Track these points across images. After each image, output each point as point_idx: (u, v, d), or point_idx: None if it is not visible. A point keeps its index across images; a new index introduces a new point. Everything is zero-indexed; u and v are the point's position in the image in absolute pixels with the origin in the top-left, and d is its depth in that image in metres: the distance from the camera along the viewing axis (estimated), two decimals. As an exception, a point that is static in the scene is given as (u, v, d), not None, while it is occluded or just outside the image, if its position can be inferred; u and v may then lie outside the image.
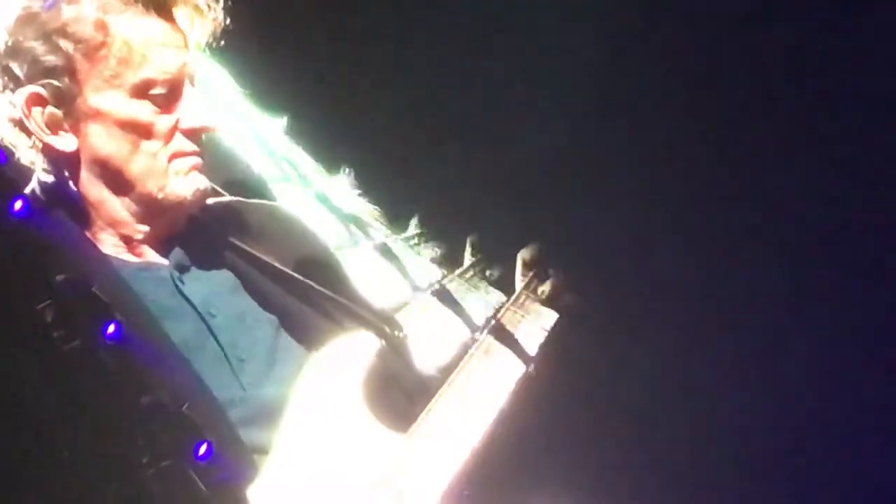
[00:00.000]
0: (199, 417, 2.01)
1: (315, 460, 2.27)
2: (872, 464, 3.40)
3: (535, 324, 2.59)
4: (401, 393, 2.44)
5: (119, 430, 1.90)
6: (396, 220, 2.82)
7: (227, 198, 2.69)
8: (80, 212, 2.48)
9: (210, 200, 2.61)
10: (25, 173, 2.36)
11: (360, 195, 2.80)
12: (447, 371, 2.44)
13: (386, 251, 2.77)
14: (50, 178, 2.43)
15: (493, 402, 2.40)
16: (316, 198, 2.82)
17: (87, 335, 1.91)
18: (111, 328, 1.94)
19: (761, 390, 3.21)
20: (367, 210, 2.82)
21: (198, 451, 1.92)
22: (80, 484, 1.86)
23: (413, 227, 2.79)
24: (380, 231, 2.78)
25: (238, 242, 2.58)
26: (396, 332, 2.48)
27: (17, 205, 1.95)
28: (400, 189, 2.92)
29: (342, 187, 2.82)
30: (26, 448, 1.85)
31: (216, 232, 2.60)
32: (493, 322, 2.53)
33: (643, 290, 2.99)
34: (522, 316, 2.58)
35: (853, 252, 3.27)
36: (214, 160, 2.62)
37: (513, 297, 2.60)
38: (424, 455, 2.29)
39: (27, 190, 2.39)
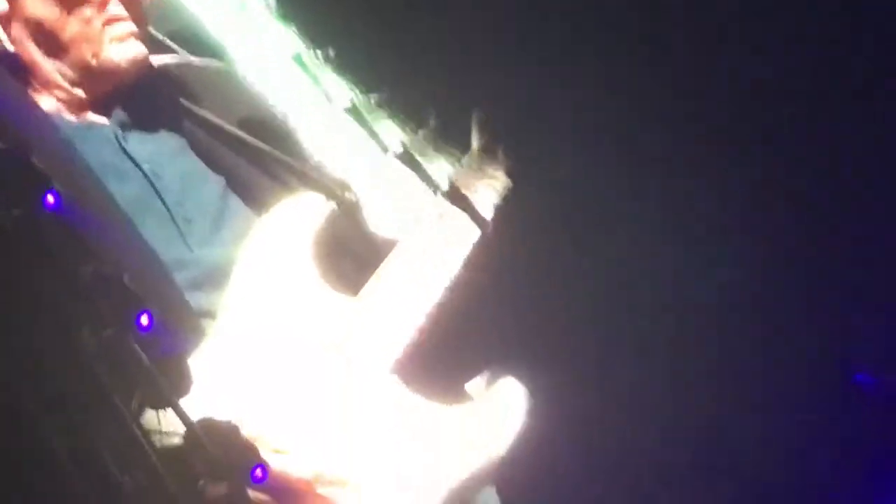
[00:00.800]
0: (141, 287, 1.99)
1: (262, 324, 2.26)
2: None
3: (492, 188, 2.56)
4: (351, 257, 2.43)
5: (59, 301, 1.88)
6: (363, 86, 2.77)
7: (174, 56, 2.65)
8: (15, 70, 2.45)
9: (156, 59, 2.57)
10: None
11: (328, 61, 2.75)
12: (400, 235, 2.42)
13: (353, 114, 2.72)
14: None
15: (447, 267, 2.39)
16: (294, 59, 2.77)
17: (25, 205, 1.88)
18: (50, 198, 1.90)
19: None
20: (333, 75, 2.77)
21: (139, 321, 1.90)
22: (18, 357, 1.84)
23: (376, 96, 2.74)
24: (345, 94, 2.74)
25: (186, 103, 2.54)
26: (347, 195, 2.45)
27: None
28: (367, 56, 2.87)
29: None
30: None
31: (162, 92, 2.57)
32: (448, 185, 2.51)
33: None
34: (478, 180, 2.55)
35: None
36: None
37: (467, 160, 2.57)
38: (375, 321, 2.29)
39: None
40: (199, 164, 2.57)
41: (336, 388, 2.25)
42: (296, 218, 2.41)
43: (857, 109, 3.24)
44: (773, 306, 3.25)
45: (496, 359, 2.50)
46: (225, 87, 2.71)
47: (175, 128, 2.61)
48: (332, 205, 2.44)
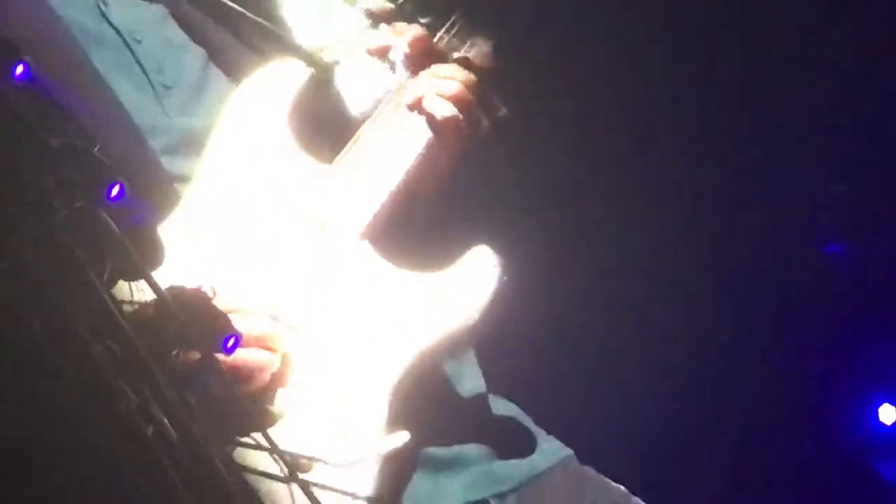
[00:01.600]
0: (115, 151, 2.00)
1: (237, 190, 2.27)
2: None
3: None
4: (327, 124, 2.43)
5: (29, 173, 1.89)
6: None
7: None
8: None
9: None
10: None
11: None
12: (375, 105, 2.43)
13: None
14: None
15: (420, 134, 2.39)
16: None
17: (-4, 76, 1.87)
18: (19, 69, 1.90)
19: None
20: None
21: (110, 192, 1.91)
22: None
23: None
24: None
25: None
26: (327, 60, 2.44)
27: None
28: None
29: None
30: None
31: None
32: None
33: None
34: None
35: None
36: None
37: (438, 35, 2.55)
38: (348, 186, 2.30)
39: None
40: (181, 34, 2.54)
41: (307, 252, 2.27)
42: (273, 84, 2.40)
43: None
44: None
45: (470, 229, 2.51)
46: None
47: None
48: (310, 71, 2.42)
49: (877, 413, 3.94)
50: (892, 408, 3.87)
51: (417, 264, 2.35)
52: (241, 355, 2.11)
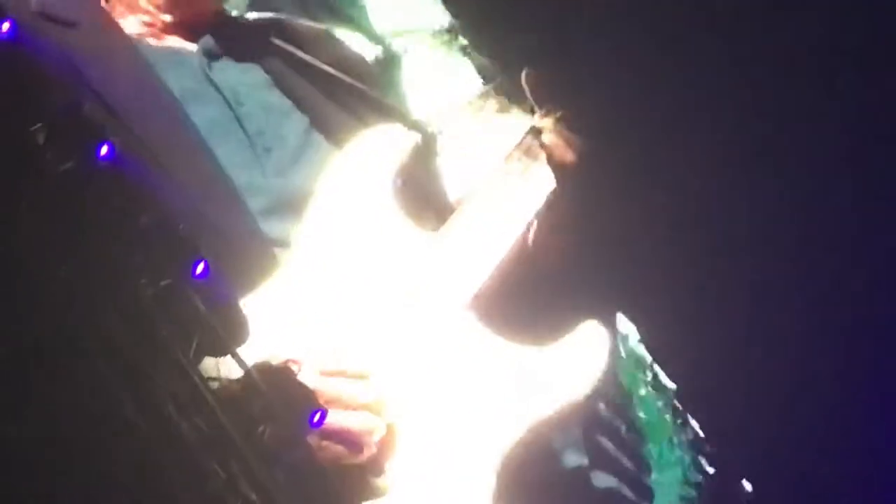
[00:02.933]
0: (207, 225, 2.02)
1: (338, 257, 2.25)
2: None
3: None
4: (432, 192, 2.41)
5: (117, 251, 1.90)
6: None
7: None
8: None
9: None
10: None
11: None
12: (476, 177, 2.40)
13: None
14: None
15: (525, 209, 2.36)
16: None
17: (80, 156, 1.90)
18: (104, 149, 1.92)
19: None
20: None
21: (195, 269, 1.91)
22: (80, 305, 1.87)
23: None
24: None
25: (276, 40, 2.53)
26: (429, 129, 2.42)
27: (5, 27, 1.91)
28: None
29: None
30: (19, 266, 1.86)
31: (253, 29, 2.55)
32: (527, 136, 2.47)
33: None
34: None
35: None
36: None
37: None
38: (453, 257, 2.28)
39: None
40: (284, 100, 2.55)
41: (411, 323, 2.24)
42: (378, 149, 2.39)
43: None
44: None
45: (579, 303, 2.45)
46: (316, 34, 2.68)
47: (262, 63, 2.60)
48: (416, 136, 2.40)
49: None
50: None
51: (525, 338, 2.30)
52: (346, 420, 2.09)
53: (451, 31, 2.61)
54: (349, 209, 2.33)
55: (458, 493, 2.20)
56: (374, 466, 2.18)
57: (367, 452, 2.16)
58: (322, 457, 2.08)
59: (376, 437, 2.17)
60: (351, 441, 2.14)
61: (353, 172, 2.37)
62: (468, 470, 2.21)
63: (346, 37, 2.72)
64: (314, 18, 2.76)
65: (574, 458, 2.39)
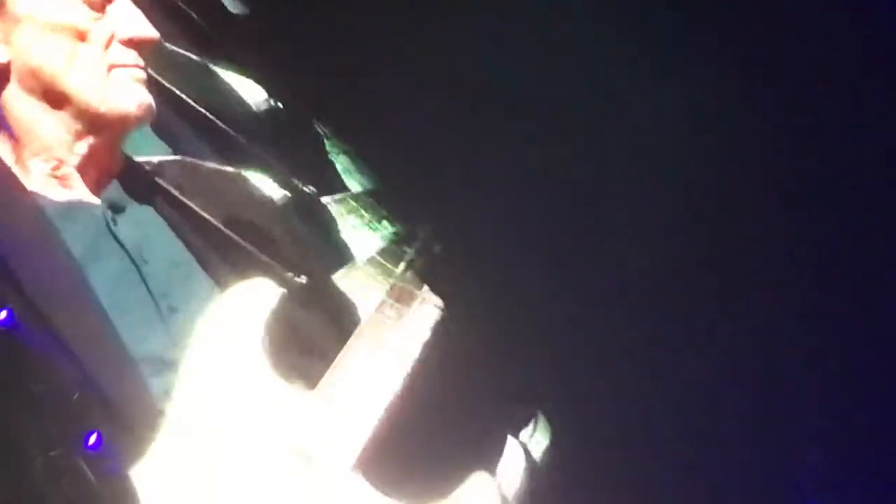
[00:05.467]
0: (99, 393, 2.02)
1: (216, 423, 2.23)
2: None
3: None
4: (302, 345, 2.41)
5: (8, 418, 1.91)
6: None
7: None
8: (5, 136, 2.41)
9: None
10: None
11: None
12: (353, 323, 2.41)
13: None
14: None
15: (404, 357, 2.36)
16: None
17: (-25, 324, 1.91)
18: (2, 314, 1.93)
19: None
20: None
21: (87, 440, 1.92)
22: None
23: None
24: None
25: (167, 185, 2.52)
26: (296, 278, 2.42)
27: None
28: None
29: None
30: None
31: (154, 172, 2.53)
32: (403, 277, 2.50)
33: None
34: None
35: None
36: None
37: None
38: (334, 416, 2.27)
39: None
40: (186, 254, 2.52)
41: (293, 484, 2.24)
42: (247, 302, 2.37)
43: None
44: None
45: (465, 451, 2.49)
46: (206, 181, 2.66)
47: (161, 208, 2.57)
48: (282, 290, 2.39)
49: None
50: None
51: (414, 494, 2.31)
52: None
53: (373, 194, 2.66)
54: (223, 364, 2.31)
55: None
56: None
57: None
58: None
59: None
60: None
61: (223, 332, 2.35)
62: None
63: (257, 178, 2.72)
64: (225, 159, 2.76)
65: None
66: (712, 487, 3.37)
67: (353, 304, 2.54)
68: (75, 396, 1.94)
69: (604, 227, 3.37)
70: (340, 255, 2.64)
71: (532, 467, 2.36)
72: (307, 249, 2.63)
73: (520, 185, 3.23)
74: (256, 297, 2.36)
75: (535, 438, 2.57)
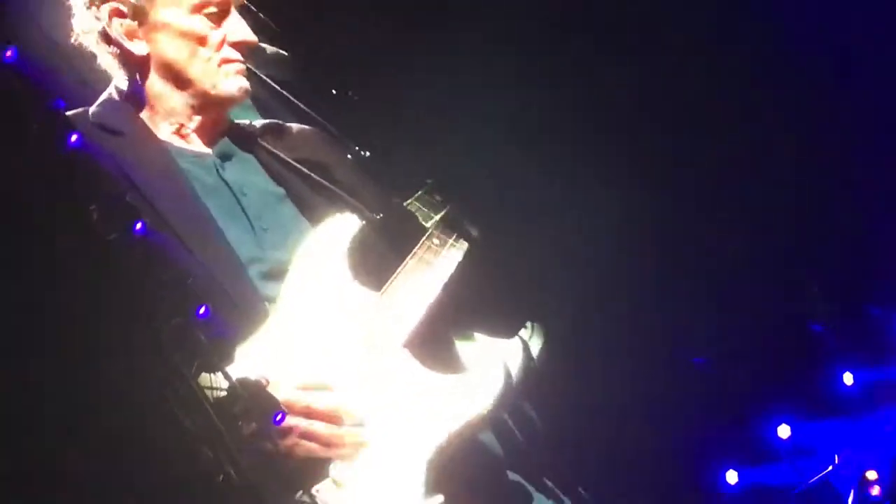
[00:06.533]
0: (200, 288, 2.83)
1: (309, 308, 3.04)
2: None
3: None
4: (377, 254, 3.20)
5: (144, 298, 2.71)
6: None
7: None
8: (145, 105, 3.29)
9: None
10: (90, 96, 3.19)
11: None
12: (408, 249, 3.20)
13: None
14: (124, 83, 3.25)
15: (444, 271, 3.15)
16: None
17: (122, 231, 2.72)
18: (138, 226, 2.74)
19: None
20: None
21: (198, 311, 2.72)
22: (114, 333, 2.69)
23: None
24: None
25: (265, 143, 3.35)
26: (375, 214, 3.23)
27: (73, 138, 2.75)
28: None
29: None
30: (72, 304, 2.68)
31: (254, 132, 3.38)
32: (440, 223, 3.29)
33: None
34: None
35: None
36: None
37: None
38: (391, 311, 3.06)
39: (104, 95, 3.21)
40: (277, 188, 3.37)
41: (363, 357, 3.04)
42: (336, 230, 3.21)
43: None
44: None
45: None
46: (305, 139, 3.52)
47: (260, 158, 3.43)
48: (365, 222, 3.22)
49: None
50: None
51: (443, 368, 3.09)
52: (315, 426, 2.87)
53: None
54: (315, 276, 3.14)
55: (399, 488, 2.98)
56: (337, 459, 2.97)
57: (332, 451, 2.94)
58: (298, 451, 2.89)
59: (338, 440, 2.95)
60: (319, 441, 2.93)
61: (318, 249, 3.18)
62: (406, 469, 2.98)
63: (326, 136, 3.55)
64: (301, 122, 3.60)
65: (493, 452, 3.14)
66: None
67: (408, 235, 3.34)
68: (189, 280, 2.74)
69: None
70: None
71: (529, 358, 3.12)
72: (373, 192, 3.44)
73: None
74: (344, 226, 3.20)
75: (533, 340, 3.32)
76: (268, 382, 2.73)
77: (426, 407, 3.02)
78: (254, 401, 2.71)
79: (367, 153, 3.44)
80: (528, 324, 3.43)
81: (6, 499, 2.69)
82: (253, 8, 3.34)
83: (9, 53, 2.66)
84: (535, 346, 3.28)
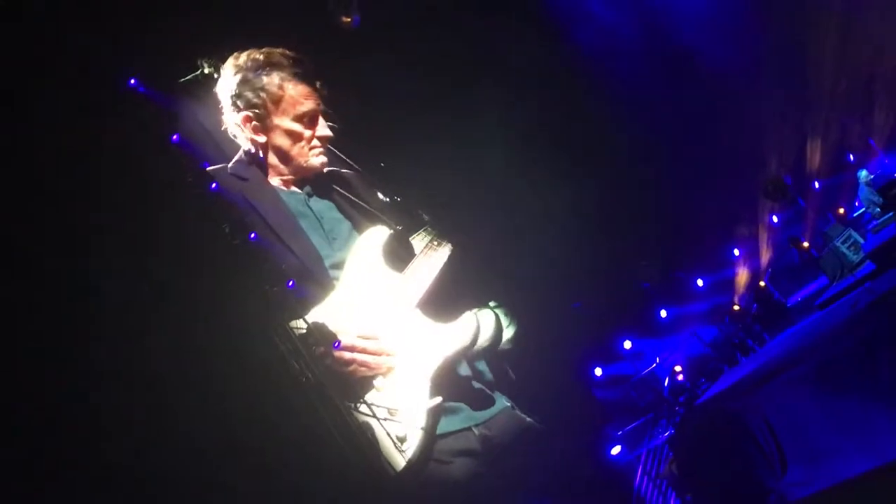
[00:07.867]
0: (291, 271, 4.75)
1: (360, 283, 4.96)
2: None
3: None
4: (399, 255, 5.13)
5: (257, 277, 4.61)
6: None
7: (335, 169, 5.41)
8: (264, 167, 5.22)
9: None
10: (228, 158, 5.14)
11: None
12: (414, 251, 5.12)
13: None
14: (252, 151, 5.17)
15: (439, 262, 5.07)
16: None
17: (242, 238, 4.63)
18: (252, 235, 4.65)
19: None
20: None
21: (289, 284, 4.63)
22: (240, 298, 4.58)
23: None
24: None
25: (333, 185, 5.30)
26: (397, 227, 5.17)
27: (213, 185, 4.69)
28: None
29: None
30: (213, 283, 4.59)
31: (328, 176, 5.32)
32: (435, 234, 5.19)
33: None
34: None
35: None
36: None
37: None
38: (407, 284, 4.98)
39: (237, 157, 5.12)
40: (339, 215, 5.23)
41: (392, 314, 4.93)
42: (374, 237, 5.13)
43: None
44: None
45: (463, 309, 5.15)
46: (356, 182, 5.44)
47: (331, 195, 5.34)
48: (391, 232, 5.16)
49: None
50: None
51: (441, 319, 4.98)
52: (366, 355, 4.78)
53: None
54: (363, 264, 5.04)
55: (413, 392, 4.86)
56: (379, 376, 4.86)
57: (375, 371, 4.84)
58: (353, 369, 4.78)
59: (380, 364, 4.85)
60: (368, 367, 4.83)
61: (364, 247, 5.07)
62: (417, 381, 4.87)
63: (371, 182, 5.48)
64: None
65: (465, 373, 5.04)
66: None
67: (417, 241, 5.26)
68: (283, 266, 4.66)
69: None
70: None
71: (498, 322, 5.03)
72: (395, 216, 5.36)
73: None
74: (379, 235, 5.14)
75: (510, 329, 5.23)
76: (331, 325, 4.63)
77: (429, 343, 4.89)
78: (321, 334, 4.60)
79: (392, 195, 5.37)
80: (505, 311, 5.27)
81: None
82: (330, 115, 5.26)
83: (175, 138, 4.64)
84: (510, 331, 5.14)
